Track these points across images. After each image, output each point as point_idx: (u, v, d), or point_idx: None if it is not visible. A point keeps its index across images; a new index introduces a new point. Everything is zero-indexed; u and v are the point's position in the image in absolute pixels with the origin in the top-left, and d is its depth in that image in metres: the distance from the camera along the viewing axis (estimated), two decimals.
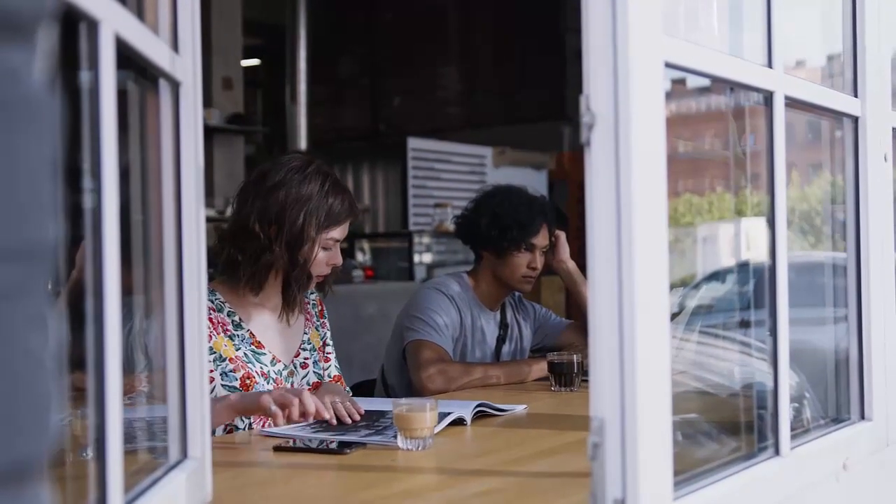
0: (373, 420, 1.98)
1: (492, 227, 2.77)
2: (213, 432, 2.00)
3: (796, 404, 1.56)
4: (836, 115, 1.69)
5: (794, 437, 1.43)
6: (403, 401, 1.80)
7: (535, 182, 6.25)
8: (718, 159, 1.83)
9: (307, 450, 1.76)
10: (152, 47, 1.09)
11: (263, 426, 2.07)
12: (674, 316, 1.67)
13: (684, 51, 1.18)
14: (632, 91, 1.03)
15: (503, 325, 2.92)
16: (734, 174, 1.74)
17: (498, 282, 2.84)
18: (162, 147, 1.21)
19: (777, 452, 1.39)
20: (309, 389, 2.09)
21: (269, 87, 9.20)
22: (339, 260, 2.20)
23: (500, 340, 2.90)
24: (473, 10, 8.75)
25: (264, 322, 2.21)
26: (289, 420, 1.85)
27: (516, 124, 8.26)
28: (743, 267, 1.82)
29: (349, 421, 1.95)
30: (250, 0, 7.21)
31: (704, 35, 1.55)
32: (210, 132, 6.54)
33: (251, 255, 2.12)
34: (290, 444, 1.79)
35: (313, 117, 7.73)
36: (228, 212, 5.41)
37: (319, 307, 2.38)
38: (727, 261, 2.24)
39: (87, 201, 0.88)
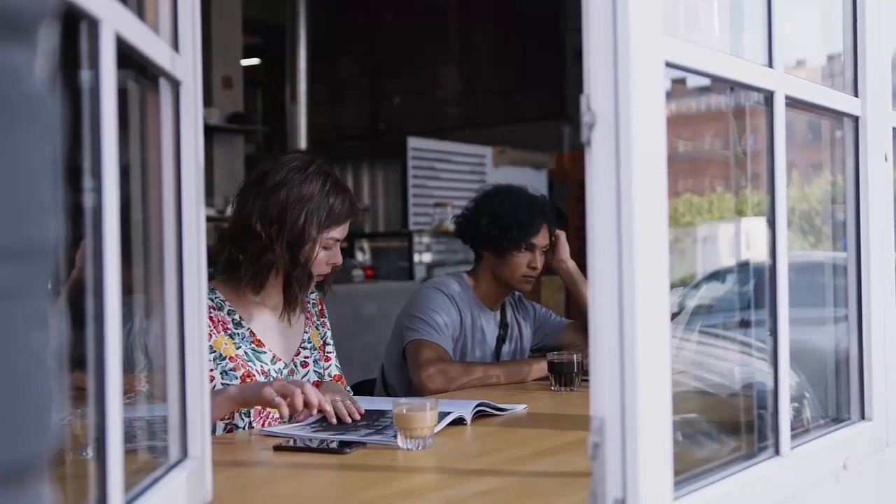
0: (373, 419, 1.98)
1: (492, 226, 2.77)
2: (214, 431, 2.00)
3: (796, 404, 1.56)
4: (837, 115, 1.69)
5: (794, 436, 1.43)
6: (403, 400, 1.80)
7: (535, 182, 6.24)
8: (719, 159, 1.83)
9: (307, 449, 1.76)
10: (153, 46, 1.09)
11: (263, 425, 2.08)
12: (674, 316, 1.66)
13: (685, 50, 1.18)
14: (632, 91, 1.03)
15: (503, 325, 2.92)
16: (734, 174, 1.74)
17: (498, 281, 2.84)
18: (162, 146, 1.21)
19: (777, 452, 1.39)
20: None
21: (269, 87, 9.20)
22: (339, 259, 2.21)
23: (500, 340, 2.90)
24: (473, 10, 8.75)
25: (265, 321, 2.21)
26: (293, 410, 1.85)
27: (516, 124, 8.26)
28: (743, 267, 1.82)
29: (349, 420, 1.95)
30: None
31: (705, 35, 1.55)
32: (210, 131, 6.54)
33: (252, 254, 2.12)
34: (291, 443, 1.79)
35: (313, 117, 7.74)
36: (228, 211, 5.41)
37: (319, 306, 2.38)
38: (727, 261, 2.24)
39: (88, 200, 0.88)
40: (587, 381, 2.26)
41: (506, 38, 8.61)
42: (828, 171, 1.81)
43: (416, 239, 6.84)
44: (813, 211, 1.91)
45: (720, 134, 1.76)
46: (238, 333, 2.14)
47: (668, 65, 1.12)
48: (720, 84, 1.46)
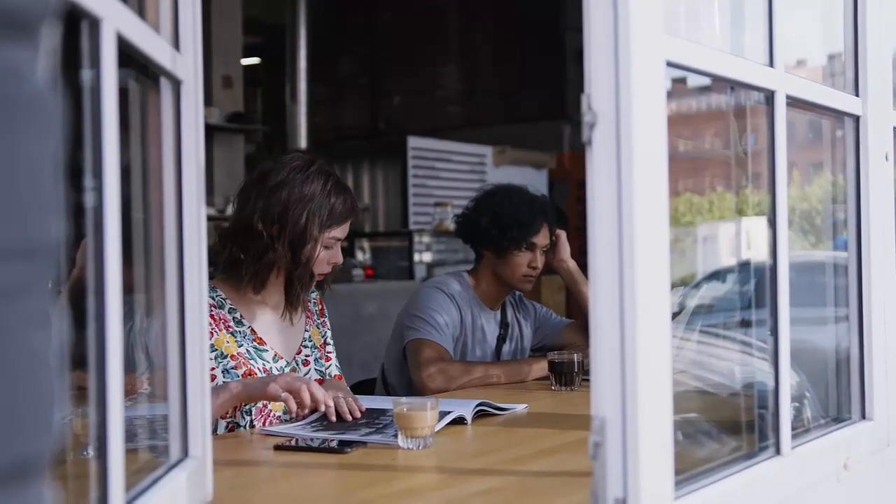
0: (373, 419, 1.98)
1: (492, 226, 2.77)
2: (215, 430, 2.00)
3: (797, 404, 1.56)
4: (838, 115, 1.69)
5: (794, 436, 1.43)
6: (404, 400, 1.80)
7: (535, 181, 6.23)
8: (719, 158, 1.83)
9: (308, 449, 1.76)
10: (153, 45, 1.09)
11: (265, 424, 2.08)
12: (674, 315, 1.66)
13: (685, 50, 1.18)
14: (633, 90, 1.03)
15: (503, 325, 2.92)
16: (735, 173, 1.74)
17: (498, 281, 2.84)
18: (163, 145, 1.21)
19: (778, 452, 1.39)
20: None
21: (269, 86, 9.20)
22: (339, 259, 2.21)
23: (501, 339, 2.90)
24: (473, 10, 8.75)
25: (266, 319, 2.21)
26: (300, 405, 1.86)
27: (516, 123, 8.26)
28: (744, 266, 1.81)
29: (349, 417, 1.95)
30: None
31: (705, 34, 1.55)
32: (210, 131, 6.53)
33: (254, 253, 2.12)
34: (291, 443, 1.79)
35: (313, 116, 7.74)
36: (229, 210, 5.42)
37: (320, 306, 2.38)
38: (728, 260, 2.24)
39: (89, 200, 0.88)
40: (588, 380, 2.26)
41: (506, 37, 8.61)
42: (828, 171, 1.81)
43: (416, 238, 6.84)
44: (813, 210, 1.91)
45: (721, 133, 1.76)
46: (239, 332, 2.15)
47: (669, 64, 1.12)
48: (721, 83, 1.46)
